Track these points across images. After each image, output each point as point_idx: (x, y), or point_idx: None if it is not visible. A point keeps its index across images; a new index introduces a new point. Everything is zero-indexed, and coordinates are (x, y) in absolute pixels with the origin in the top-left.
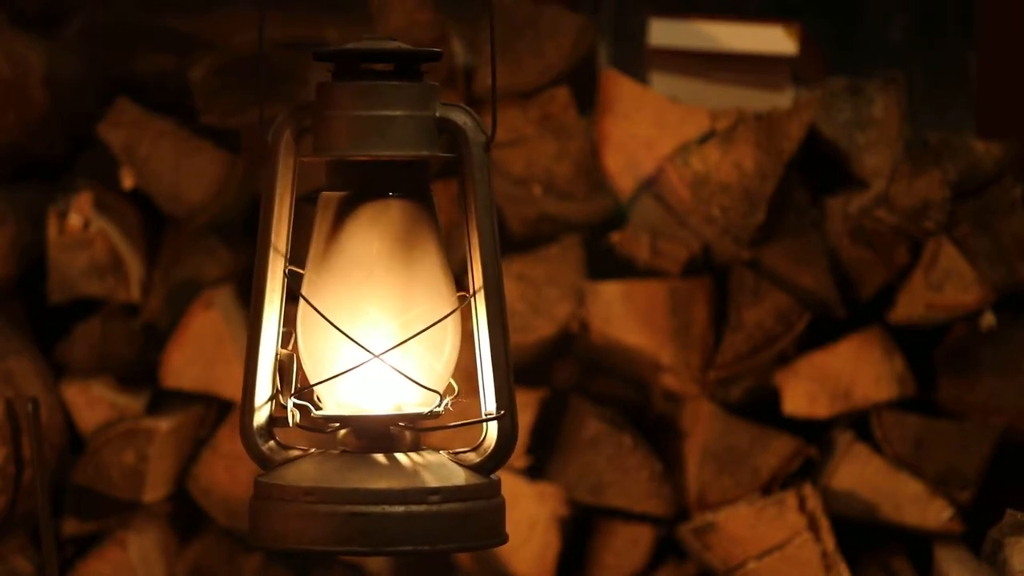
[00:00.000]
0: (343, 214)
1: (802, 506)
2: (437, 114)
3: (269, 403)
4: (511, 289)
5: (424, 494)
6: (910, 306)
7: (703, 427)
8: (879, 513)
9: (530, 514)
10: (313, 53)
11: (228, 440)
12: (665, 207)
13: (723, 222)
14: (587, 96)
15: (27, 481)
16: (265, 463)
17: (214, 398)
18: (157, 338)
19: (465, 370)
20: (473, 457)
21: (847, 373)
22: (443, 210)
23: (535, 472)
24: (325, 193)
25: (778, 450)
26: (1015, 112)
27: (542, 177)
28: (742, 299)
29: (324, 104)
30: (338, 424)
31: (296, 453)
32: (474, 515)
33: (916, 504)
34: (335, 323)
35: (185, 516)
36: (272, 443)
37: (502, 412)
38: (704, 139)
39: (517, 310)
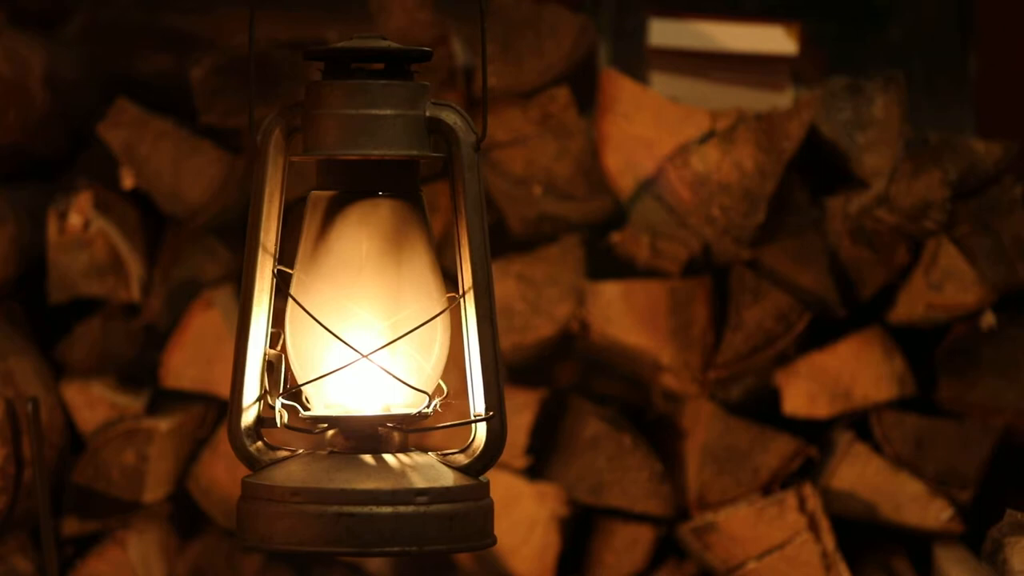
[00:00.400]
0: (332, 213)
1: (802, 506)
2: (427, 114)
3: (257, 403)
4: (511, 289)
5: (412, 495)
6: (910, 306)
7: (703, 427)
8: (879, 513)
9: (530, 514)
10: (303, 52)
11: (228, 440)
12: (665, 207)
13: (723, 222)
14: (587, 96)
15: (27, 481)
16: (253, 464)
17: (214, 398)
18: (157, 338)
19: (455, 370)
20: (462, 458)
21: (847, 373)
22: (442, 210)
23: (535, 472)
24: (314, 192)
25: (778, 450)
26: (1015, 112)
27: (542, 177)
28: (742, 299)
29: (314, 103)
30: (326, 425)
31: (284, 454)
32: (462, 516)
33: (916, 504)
34: (324, 323)
35: (185, 516)
36: (260, 444)
37: (491, 413)
38: (704, 139)
39: (517, 310)
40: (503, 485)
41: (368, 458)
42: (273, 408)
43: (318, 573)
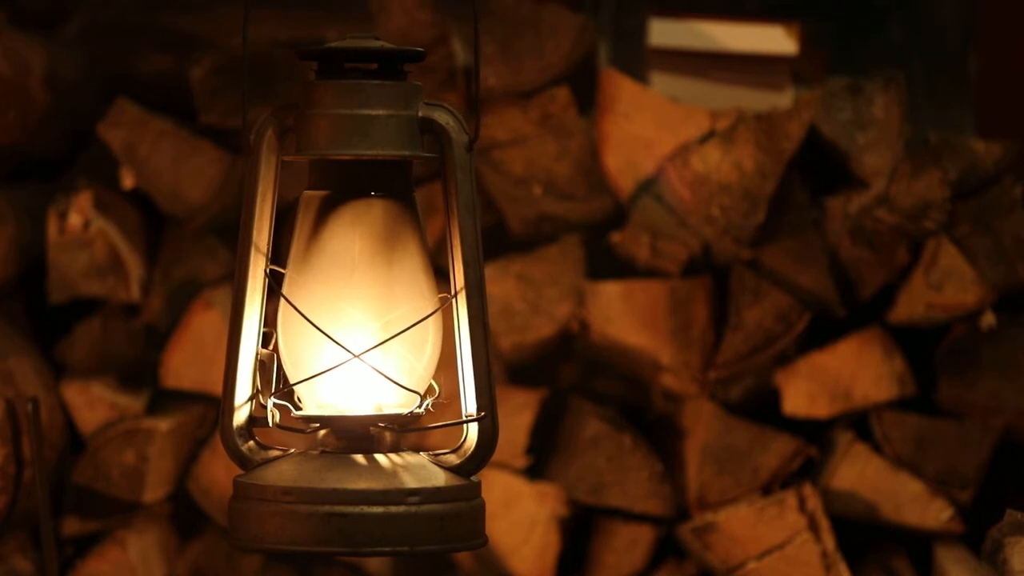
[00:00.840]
0: (325, 213)
1: (802, 506)
2: (420, 114)
3: (249, 403)
4: (511, 289)
5: (403, 495)
6: (910, 306)
7: (703, 427)
8: (879, 513)
9: (530, 514)
10: (297, 52)
11: (220, 439)
12: (665, 207)
13: (723, 222)
14: (587, 96)
15: (27, 481)
16: (245, 463)
17: (214, 398)
18: (157, 338)
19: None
20: (453, 459)
21: (847, 373)
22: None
23: (535, 472)
24: (307, 192)
25: (778, 450)
26: (1015, 112)
27: (542, 177)
28: (742, 299)
29: (307, 103)
30: (318, 424)
31: (276, 453)
32: (453, 516)
33: (916, 504)
34: (316, 323)
35: (185, 516)
36: (252, 443)
37: (482, 414)
38: (704, 139)
39: (517, 310)
40: (503, 485)
41: (360, 458)
42: (265, 407)
43: (318, 573)
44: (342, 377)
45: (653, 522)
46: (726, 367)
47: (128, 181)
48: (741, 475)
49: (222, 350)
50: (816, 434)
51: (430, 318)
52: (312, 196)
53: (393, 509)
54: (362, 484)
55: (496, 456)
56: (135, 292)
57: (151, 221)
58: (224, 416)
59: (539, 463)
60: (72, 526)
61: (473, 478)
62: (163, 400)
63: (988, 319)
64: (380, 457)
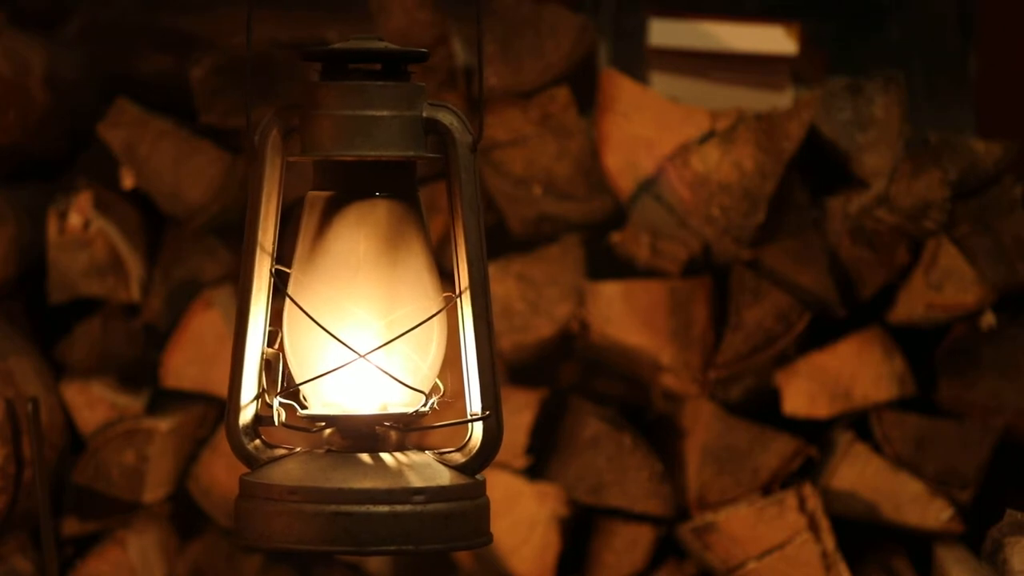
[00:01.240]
0: (330, 214)
1: (802, 506)
2: (424, 114)
3: (255, 402)
4: (511, 289)
5: (409, 494)
6: (910, 306)
7: (703, 427)
8: (879, 513)
9: (530, 514)
10: (301, 53)
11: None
12: (665, 207)
13: (723, 222)
14: (587, 96)
15: (27, 481)
16: (251, 462)
17: (214, 398)
18: (157, 338)
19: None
20: (458, 457)
21: (847, 373)
22: (443, 211)
23: (535, 472)
24: (312, 193)
25: (778, 450)
26: (1015, 112)
27: (542, 177)
28: (742, 299)
29: (311, 104)
30: (324, 423)
31: (282, 452)
32: (459, 515)
33: (916, 504)
34: (321, 323)
35: (185, 516)
36: (258, 442)
37: (487, 412)
38: (704, 139)
39: (517, 310)
40: (503, 485)
41: (365, 457)
42: (271, 406)
43: (318, 573)
44: (348, 376)
45: (653, 522)
46: (726, 367)
47: (128, 181)
48: (741, 475)
49: (222, 350)
50: (816, 434)
51: (435, 317)
52: (317, 196)
53: (399, 508)
54: (367, 483)
55: (496, 456)
56: (135, 292)
57: (151, 221)
58: (230, 415)
59: (539, 463)
60: (72, 526)
61: (478, 476)
62: (163, 400)
63: (988, 319)
64: (385, 456)
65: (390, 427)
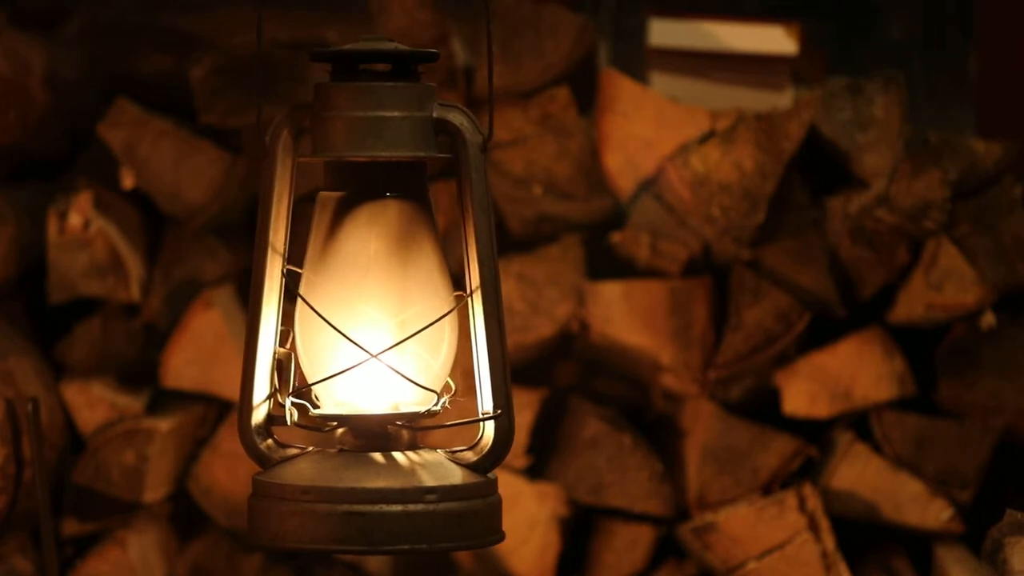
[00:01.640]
0: (341, 214)
1: (802, 506)
2: (434, 115)
3: (267, 402)
4: (511, 289)
5: (421, 493)
6: (910, 306)
7: (703, 427)
8: (879, 513)
9: (530, 514)
10: (311, 54)
11: (228, 440)
12: (665, 207)
13: (723, 222)
14: (587, 96)
15: (27, 481)
16: (263, 461)
17: (214, 398)
18: (157, 338)
19: (465, 369)
20: (470, 456)
21: (847, 373)
22: (444, 210)
23: (535, 472)
24: (323, 193)
25: (778, 450)
26: (1015, 112)
27: (542, 177)
28: (742, 299)
29: (322, 105)
30: (336, 423)
31: (294, 452)
32: (471, 514)
33: (916, 504)
34: (333, 322)
35: (185, 516)
36: (270, 441)
37: (499, 411)
38: (704, 139)
39: (517, 310)
40: (503, 484)
41: (377, 456)
42: (283, 406)
43: (318, 573)
44: (359, 376)
45: (653, 522)
46: (726, 367)
47: (128, 181)
48: (741, 475)
49: (222, 350)
50: (816, 434)
51: (446, 317)
52: (328, 197)
53: (411, 507)
54: (380, 483)
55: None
56: (135, 292)
57: (151, 221)
58: (242, 415)
59: (539, 463)
60: (72, 526)
61: (489, 475)
62: (163, 400)
63: (988, 319)
64: (398, 455)
65: (402, 426)
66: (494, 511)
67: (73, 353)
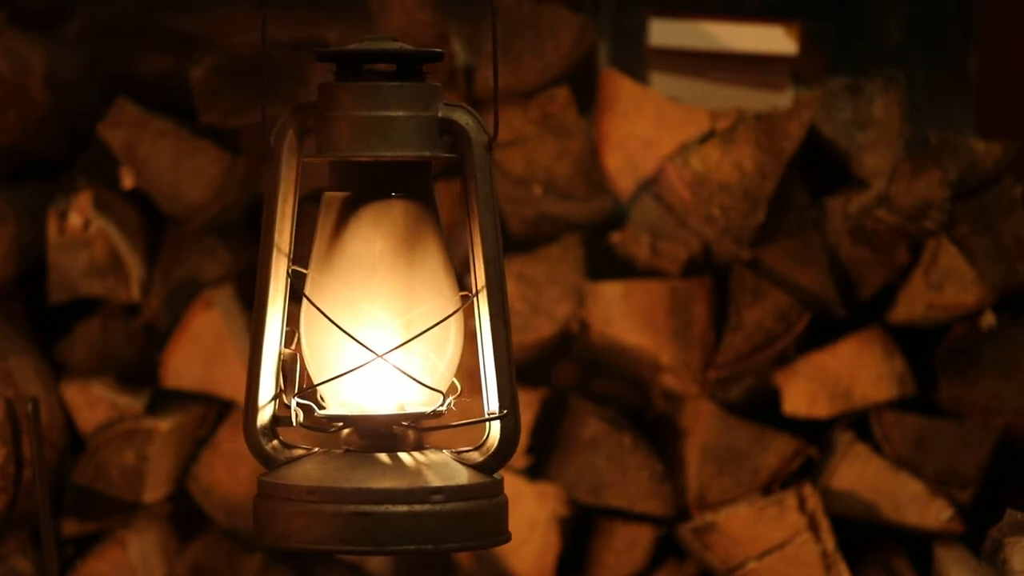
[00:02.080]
0: (346, 214)
1: (802, 506)
2: (439, 114)
3: (273, 402)
4: (511, 289)
5: (427, 493)
6: (910, 306)
7: (703, 427)
8: (879, 513)
9: (530, 514)
10: (315, 54)
11: (228, 440)
12: (665, 207)
13: (723, 222)
14: (587, 96)
15: (27, 481)
16: (269, 462)
17: (214, 398)
18: (157, 338)
19: (468, 369)
20: (476, 456)
21: (847, 373)
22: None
23: (535, 472)
24: (328, 193)
25: (778, 450)
26: (1015, 112)
27: (542, 177)
28: (742, 299)
29: (326, 105)
30: (341, 423)
31: (299, 452)
32: (477, 514)
33: (916, 504)
34: (338, 323)
35: (185, 516)
36: (276, 442)
37: (505, 412)
38: (704, 139)
39: (517, 310)
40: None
41: (383, 457)
42: (288, 407)
43: (319, 573)
44: (365, 376)
45: (653, 522)
46: (726, 367)
47: (128, 181)
48: (741, 475)
49: (222, 350)
50: (816, 434)
51: (451, 317)
52: (333, 197)
53: (417, 507)
54: (386, 483)
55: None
56: (135, 292)
57: (151, 221)
58: (248, 416)
59: (539, 463)
60: (72, 526)
61: (495, 475)
62: (163, 400)
63: (988, 319)
64: (404, 455)
65: (408, 427)
66: (500, 511)
67: (73, 353)
